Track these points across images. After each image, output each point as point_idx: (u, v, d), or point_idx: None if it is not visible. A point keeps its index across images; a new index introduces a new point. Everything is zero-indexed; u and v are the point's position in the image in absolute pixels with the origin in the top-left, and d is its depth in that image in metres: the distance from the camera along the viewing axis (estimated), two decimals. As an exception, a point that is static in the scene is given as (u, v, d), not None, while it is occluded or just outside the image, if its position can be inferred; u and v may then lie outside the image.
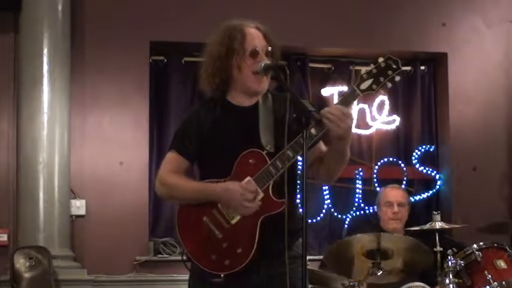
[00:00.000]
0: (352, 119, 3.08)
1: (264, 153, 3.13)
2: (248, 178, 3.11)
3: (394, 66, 3.14)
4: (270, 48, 3.21)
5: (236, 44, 3.18)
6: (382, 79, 3.12)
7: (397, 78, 3.15)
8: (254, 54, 3.19)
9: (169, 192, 3.25)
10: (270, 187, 3.11)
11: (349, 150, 3.16)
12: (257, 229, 3.10)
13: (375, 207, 5.77)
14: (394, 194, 5.60)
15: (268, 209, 3.10)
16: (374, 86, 3.12)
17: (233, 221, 3.13)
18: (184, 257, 3.20)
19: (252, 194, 3.08)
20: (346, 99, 3.11)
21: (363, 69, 3.15)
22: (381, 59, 3.15)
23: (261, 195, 3.10)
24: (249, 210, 3.09)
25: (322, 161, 3.21)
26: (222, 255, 3.12)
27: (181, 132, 3.30)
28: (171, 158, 3.27)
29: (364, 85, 3.12)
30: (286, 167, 3.06)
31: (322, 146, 3.23)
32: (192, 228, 3.16)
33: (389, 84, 3.13)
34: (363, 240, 4.67)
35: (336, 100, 6.94)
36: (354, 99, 3.12)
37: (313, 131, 3.06)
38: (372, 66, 3.15)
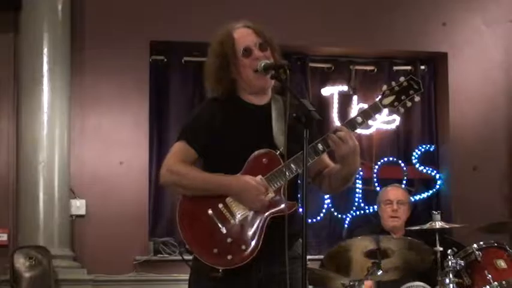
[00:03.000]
0: (353, 144, 3.12)
1: (277, 154, 3.15)
2: (259, 177, 3.13)
3: (416, 87, 3.25)
4: (261, 42, 3.22)
5: (228, 50, 3.20)
6: (403, 97, 3.23)
7: (417, 98, 3.25)
8: (247, 52, 3.21)
9: (178, 180, 3.21)
10: (282, 188, 3.13)
11: (353, 179, 3.31)
12: (264, 227, 3.11)
13: (376, 206, 5.78)
14: (394, 192, 5.63)
15: (278, 209, 3.13)
16: (396, 103, 3.23)
17: (240, 217, 3.14)
18: (185, 253, 3.21)
19: (265, 188, 3.10)
20: (368, 112, 3.20)
21: (385, 86, 3.25)
22: (402, 78, 3.25)
23: (271, 193, 3.12)
24: (260, 204, 3.11)
25: (328, 177, 3.27)
26: (225, 250, 3.12)
27: (192, 124, 3.30)
28: (180, 147, 3.25)
29: (386, 101, 3.22)
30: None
31: (326, 159, 3.28)
32: (194, 221, 3.15)
33: (409, 103, 3.24)
34: (363, 244, 4.68)
35: (336, 102, 6.97)
36: (376, 113, 3.23)
37: (320, 146, 3.13)
38: (394, 83, 3.24)
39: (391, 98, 3.22)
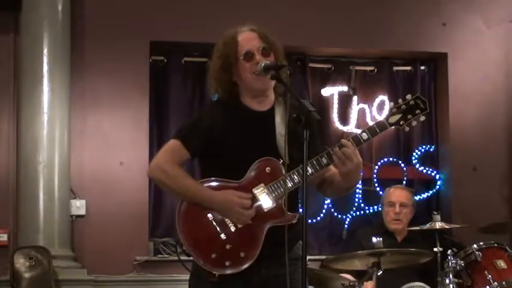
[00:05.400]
0: (358, 161, 3.13)
1: (280, 163, 3.15)
2: (262, 185, 3.15)
3: (422, 106, 3.25)
4: (264, 46, 3.22)
5: (230, 52, 3.22)
6: (410, 116, 3.23)
7: (423, 118, 3.25)
8: (248, 56, 3.21)
9: (166, 179, 3.23)
10: (283, 199, 3.14)
11: (355, 187, 3.37)
12: (263, 236, 3.12)
13: (379, 207, 5.79)
14: (397, 194, 5.62)
15: (278, 219, 3.13)
16: (402, 122, 3.23)
17: (240, 225, 3.15)
18: (183, 256, 3.21)
19: (248, 201, 3.11)
20: (374, 129, 3.20)
21: (392, 103, 3.27)
22: (409, 97, 3.25)
23: (268, 202, 3.13)
24: (243, 219, 3.12)
25: (330, 184, 3.29)
26: (223, 256, 3.12)
27: (191, 125, 3.32)
28: (174, 146, 3.26)
29: (393, 119, 3.23)
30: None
31: (333, 168, 3.27)
32: (194, 224, 3.16)
33: (414, 122, 3.24)
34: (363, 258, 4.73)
35: (336, 102, 6.97)
36: (382, 131, 3.22)
37: (324, 160, 3.14)
38: (401, 101, 3.24)
39: (397, 117, 3.22)
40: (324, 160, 3.14)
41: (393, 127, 3.24)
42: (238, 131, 3.22)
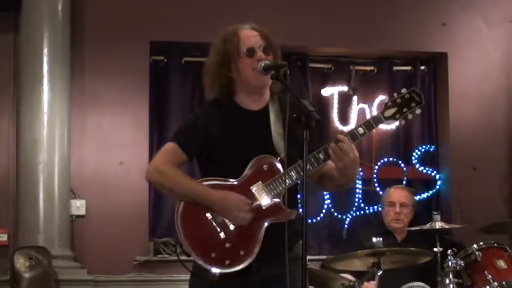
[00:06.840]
0: (354, 156, 3.14)
1: (278, 160, 3.16)
2: (260, 183, 3.15)
3: (417, 99, 3.27)
4: (266, 45, 3.23)
5: (231, 48, 3.23)
6: (405, 110, 3.25)
7: (418, 111, 3.27)
8: (250, 52, 3.23)
9: (164, 181, 3.24)
10: (282, 196, 3.14)
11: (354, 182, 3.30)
12: (263, 233, 3.13)
13: (379, 207, 5.78)
14: (397, 194, 5.62)
15: (277, 216, 3.13)
16: (397, 116, 3.24)
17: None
18: (183, 256, 3.21)
19: (248, 205, 3.11)
20: (370, 123, 3.21)
21: (387, 98, 3.30)
22: (404, 90, 3.27)
23: (267, 200, 3.13)
24: (239, 222, 3.13)
25: (328, 178, 3.29)
26: (223, 254, 3.13)
27: (187, 127, 3.32)
28: (171, 148, 3.27)
29: (388, 113, 3.24)
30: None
31: (330, 162, 3.27)
32: (193, 223, 3.16)
33: (410, 116, 3.26)
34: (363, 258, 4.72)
35: (336, 102, 6.98)
36: (378, 125, 3.23)
37: (321, 156, 3.14)
38: (396, 96, 3.26)
39: (392, 110, 3.23)
40: (321, 156, 3.15)
41: (392, 123, 3.25)
42: (234, 131, 3.22)
